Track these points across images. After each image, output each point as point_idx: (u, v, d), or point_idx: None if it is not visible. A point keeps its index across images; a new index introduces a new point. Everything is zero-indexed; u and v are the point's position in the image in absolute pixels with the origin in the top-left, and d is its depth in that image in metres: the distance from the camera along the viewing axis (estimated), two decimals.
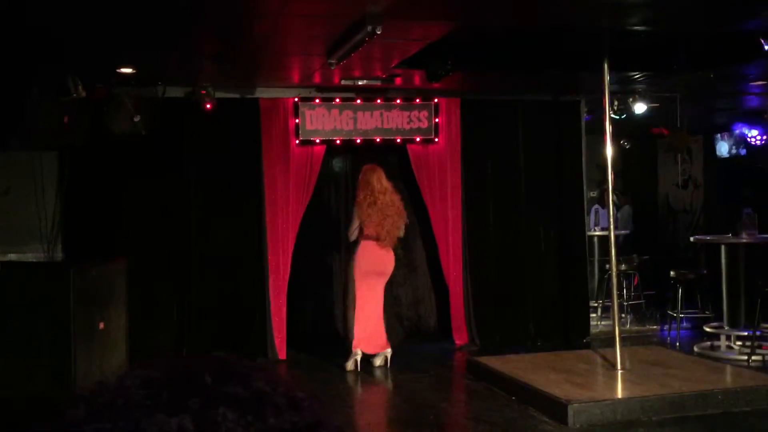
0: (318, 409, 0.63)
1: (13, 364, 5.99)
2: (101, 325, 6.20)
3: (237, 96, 7.49)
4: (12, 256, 6.72)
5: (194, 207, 7.42)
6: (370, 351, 6.97)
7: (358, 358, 6.90)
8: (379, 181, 6.86)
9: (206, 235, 7.43)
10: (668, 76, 7.43)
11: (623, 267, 8.60)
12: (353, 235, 6.91)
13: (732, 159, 10.58)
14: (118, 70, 6.48)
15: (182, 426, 0.53)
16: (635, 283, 9.21)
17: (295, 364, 7.24)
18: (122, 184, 7.17)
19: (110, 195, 7.15)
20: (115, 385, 0.59)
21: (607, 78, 6.20)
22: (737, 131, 10.42)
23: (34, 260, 6.86)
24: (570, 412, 5.21)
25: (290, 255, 7.56)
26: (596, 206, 10.07)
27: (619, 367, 6.09)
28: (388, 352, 7.03)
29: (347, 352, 6.95)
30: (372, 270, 6.89)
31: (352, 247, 7.03)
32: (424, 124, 7.94)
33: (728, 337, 7.49)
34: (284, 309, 7.51)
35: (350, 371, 6.83)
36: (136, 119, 6.69)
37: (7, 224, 6.94)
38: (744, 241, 7.45)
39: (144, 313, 6.92)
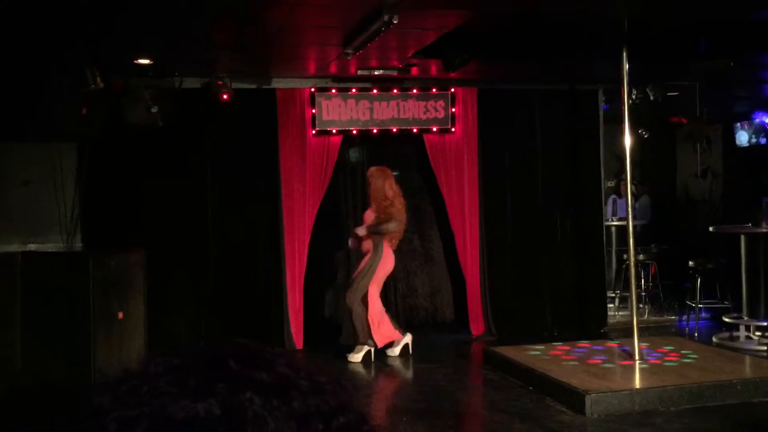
0: (341, 392, 0.64)
1: (34, 352, 6.07)
2: (120, 315, 6.26)
3: (254, 86, 7.51)
4: (32, 246, 6.79)
5: (211, 197, 7.45)
6: (384, 343, 6.99)
7: (372, 350, 6.93)
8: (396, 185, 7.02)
9: (223, 226, 7.46)
10: (687, 64, 7.35)
11: (641, 257, 8.54)
12: (385, 235, 6.87)
13: (751, 148, 10.45)
14: (135, 62, 6.50)
15: (209, 411, 0.53)
16: (653, 272, 9.15)
17: (311, 354, 7.26)
18: (140, 175, 7.21)
19: (128, 185, 7.19)
20: (140, 372, 0.59)
21: (626, 66, 6.14)
22: (757, 120, 10.29)
23: (54, 250, 6.93)
24: (587, 402, 5.19)
25: (307, 245, 7.58)
26: (613, 196, 10.00)
27: (636, 357, 6.06)
28: (408, 337, 7.05)
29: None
30: (390, 274, 7.12)
31: (378, 248, 6.90)
32: (441, 114, 7.92)
33: (747, 328, 7.43)
34: (301, 299, 7.54)
35: (358, 363, 6.86)
36: (154, 110, 6.72)
37: (27, 215, 7.00)
38: (764, 231, 7.37)
39: (162, 302, 6.97)
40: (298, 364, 0.63)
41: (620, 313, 8.58)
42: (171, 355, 0.60)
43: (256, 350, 0.63)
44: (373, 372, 6.77)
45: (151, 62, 6.55)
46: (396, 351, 7.02)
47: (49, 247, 6.95)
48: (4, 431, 5.02)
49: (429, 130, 7.93)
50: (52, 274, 6.17)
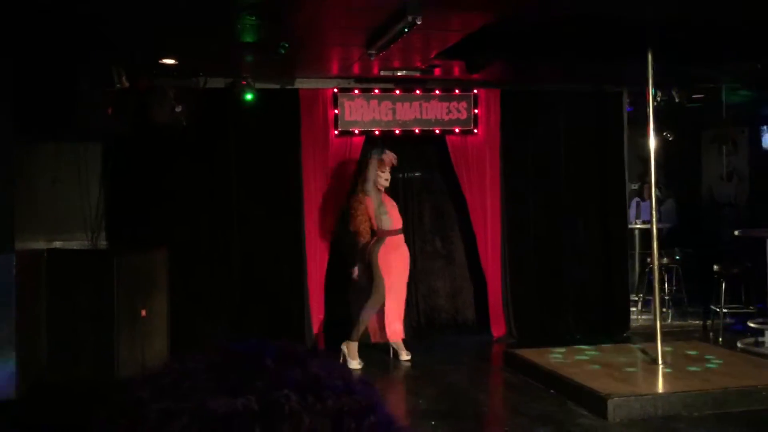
0: (371, 393, 0.65)
1: (58, 349, 6.13)
2: (143, 313, 6.31)
3: (277, 87, 7.54)
4: (57, 244, 6.86)
5: (235, 197, 7.50)
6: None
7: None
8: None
9: (246, 225, 7.50)
10: (714, 66, 7.28)
11: (665, 261, 8.47)
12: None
13: None
14: (160, 62, 6.56)
15: (248, 406, 0.55)
16: (677, 276, 9.06)
17: (332, 353, 7.28)
18: (164, 174, 7.27)
19: (153, 184, 7.25)
20: (180, 368, 0.60)
21: (651, 68, 6.10)
22: None
23: (79, 248, 7.00)
24: (610, 407, 5.16)
25: (328, 244, 7.61)
26: (637, 199, 9.93)
27: (660, 361, 6.01)
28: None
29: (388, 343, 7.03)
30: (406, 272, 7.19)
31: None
32: (464, 115, 7.90)
33: None
34: (322, 298, 7.57)
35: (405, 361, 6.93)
36: (178, 110, 6.77)
37: (53, 213, 7.08)
38: None
39: (185, 300, 7.02)
40: (330, 364, 0.65)
41: (643, 317, 8.51)
42: (209, 353, 0.62)
43: (291, 350, 0.65)
44: (394, 372, 6.77)
45: (176, 62, 6.61)
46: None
47: (74, 244, 7.02)
48: (30, 428, 5.08)
49: (451, 132, 7.92)
50: (76, 272, 6.23)
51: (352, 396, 0.62)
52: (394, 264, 6.87)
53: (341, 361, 6.67)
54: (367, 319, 6.91)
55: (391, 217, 6.93)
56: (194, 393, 0.57)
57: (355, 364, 6.73)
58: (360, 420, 0.61)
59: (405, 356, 6.96)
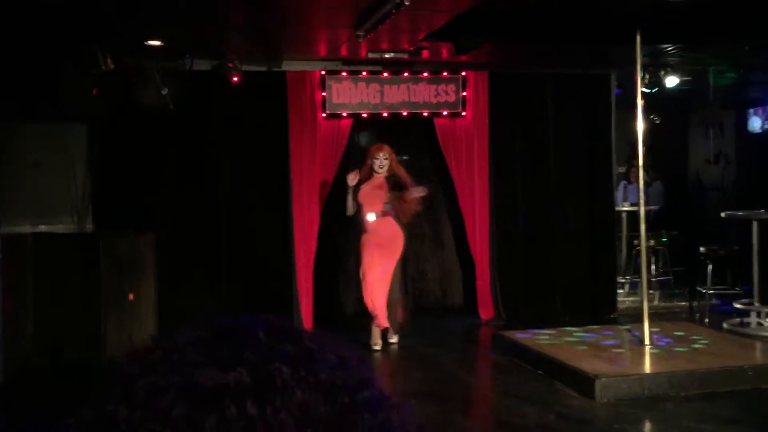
0: (364, 368, 0.64)
1: (45, 334, 6.10)
2: (131, 296, 6.29)
3: (264, 69, 7.48)
4: (42, 228, 6.81)
5: (222, 179, 7.45)
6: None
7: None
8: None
9: (234, 208, 7.47)
10: (702, 48, 7.28)
11: (652, 243, 8.51)
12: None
13: (764, 134, 10.39)
14: (146, 43, 6.49)
15: (239, 380, 0.53)
16: (664, 258, 9.11)
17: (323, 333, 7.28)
18: (151, 157, 7.22)
19: (139, 167, 7.20)
20: (168, 343, 0.59)
21: (639, 50, 6.09)
22: None
23: (65, 232, 6.95)
24: (597, 387, 5.19)
25: (317, 227, 7.60)
26: (624, 182, 9.96)
27: (647, 342, 6.05)
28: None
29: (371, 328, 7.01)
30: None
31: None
32: (452, 98, 7.88)
33: (758, 314, 7.41)
34: (311, 281, 7.57)
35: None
36: (164, 92, 6.71)
37: (38, 196, 7.02)
38: None
39: (173, 284, 6.99)
40: (323, 339, 0.64)
41: (630, 298, 8.56)
42: (198, 328, 0.60)
43: (283, 324, 0.64)
44: (381, 355, 6.78)
45: (162, 44, 6.54)
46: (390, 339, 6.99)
47: (60, 228, 6.97)
48: (16, 412, 5.06)
49: (439, 114, 7.90)
50: (63, 256, 6.20)
51: (346, 370, 0.61)
52: (366, 252, 6.77)
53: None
54: (367, 302, 6.82)
55: (363, 203, 6.77)
56: (182, 367, 0.55)
57: (373, 345, 6.76)
58: (353, 394, 0.60)
59: (391, 339, 6.97)
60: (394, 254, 6.78)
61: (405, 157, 8.35)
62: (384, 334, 6.98)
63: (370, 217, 6.75)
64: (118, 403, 0.54)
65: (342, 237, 8.11)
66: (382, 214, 6.76)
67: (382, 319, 6.78)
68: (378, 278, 6.71)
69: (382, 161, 6.74)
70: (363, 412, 0.58)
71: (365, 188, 6.75)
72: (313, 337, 0.63)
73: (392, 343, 6.94)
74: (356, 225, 6.98)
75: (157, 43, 6.50)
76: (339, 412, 0.56)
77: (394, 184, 6.76)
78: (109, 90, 6.47)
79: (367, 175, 6.78)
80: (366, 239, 6.78)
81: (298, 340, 0.61)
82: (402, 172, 6.82)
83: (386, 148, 6.84)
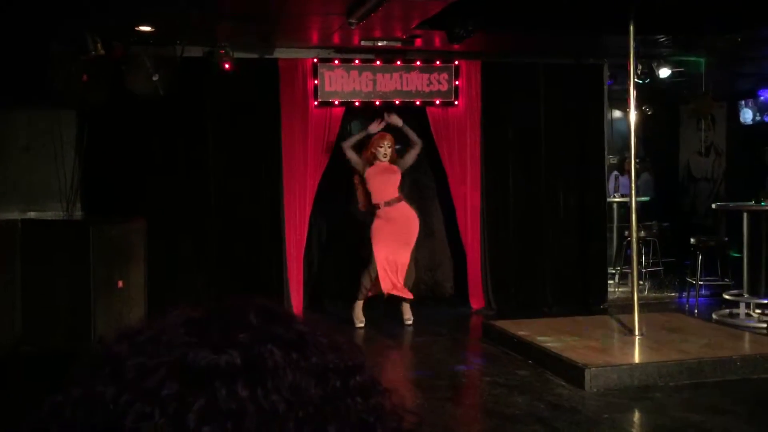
0: (356, 353, 0.63)
1: (34, 320, 6.08)
2: (120, 284, 6.26)
3: (256, 56, 7.44)
4: (32, 214, 6.77)
5: (213, 167, 7.42)
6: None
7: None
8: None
9: (225, 195, 7.44)
10: (694, 39, 7.28)
11: (642, 234, 8.53)
12: None
13: (756, 126, 10.42)
14: (136, 29, 6.44)
15: (230, 361, 0.52)
16: (654, 249, 9.15)
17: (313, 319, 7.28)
18: (141, 144, 7.17)
19: (129, 154, 7.15)
20: (159, 324, 0.58)
21: (632, 41, 6.08)
22: (762, 98, 10.24)
23: (54, 218, 6.91)
24: (587, 376, 5.21)
25: (308, 215, 7.59)
26: (615, 172, 9.97)
27: (636, 332, 6.07)
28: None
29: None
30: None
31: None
32: (444, 87, 7.86)
33: (747, 305, 7.44)
34: (301, 269, 7.56)
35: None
36: (155, 78, 6.67)
37: (27, 183, 6.98)
38: (767, 208, 7.36)
39: (163, 271, 6.96)
40: (315, 323, 0.64)
41: (620, 289, 8.60)
42: (190, 310, 0.59)
43: (274, 308, 0.63)
44: (373, 343, 6.79)
45: (153, 30, 6.49)
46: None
47: (49, 215, 6.93)
48: (5, 399, 5.04)
49: (432, 103, 7.88)
50: (52, 243, 6.16)
51: (338, 355, 0.60)
52: (380, 236, 6.93)
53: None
54: (365, 282, 7.03)
55: (373, 190, 6.94)
56: (173, 348, 0.54)
57: (357, 322, 7.00)
58: (345, 379, 0.59)
59: (407, 318, 7.15)
60: (412, 238, 7.10)
61: (397, 146, 8.33)
62: (401, 316, 7.14)
63: (391, 202, 6.99)
64: (106, 383, 0.53)
65: (333, 224, 8.10)
66: (397, 200, 7.03)
67: (407, 292, 7.07)
68: (403, 264, 7.00)
69: (386, 149, 7.00)
70: (355, 397, 0.57)
71: (374, 178, 6.93)
72: (305, 322, 0.63)
73: (409, 324, 7.12)
74: (351, 212, 7.08)
75: (147, 28, 6.45)
76: (331, 396, 0.56)
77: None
78: (99, 76, 6.42)
79: (369, 162, 6.96)
80: (381, 226, 6.95)
81: (289, 324, 0.60)
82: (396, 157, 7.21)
83: (389, 136, 7.10)
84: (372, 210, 7.06)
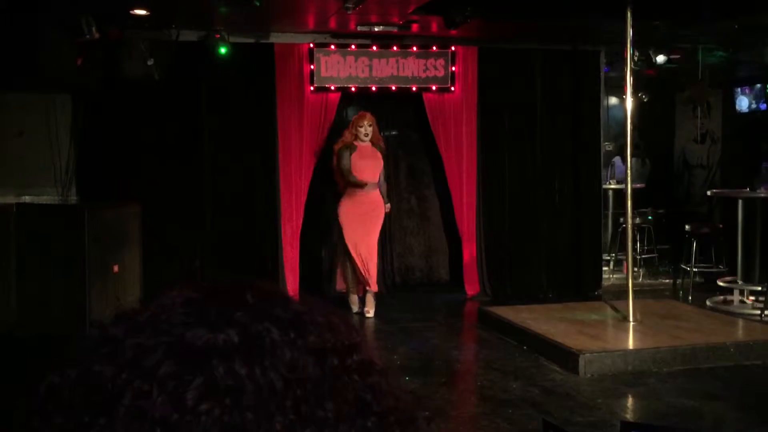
0: (353, 333, 0.63)
1: (29, 305, 6.07)
2: (115, 268, 6.26)
3: (251, 41, 7.40)
4: (26, 198, 6.75)
5: (208, 151, 7.40)
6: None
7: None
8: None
9: (220, 180, 7.43)
10: (691, 25, 7.26)
11: (637, 220, 8.55)
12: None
13: (751, 114, 10.42)
14: (131, 12, 6.40)
15: (227, 340, 0.53)
16: (648, 236, 9.17)
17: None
18: (136, 128, 7.14)
19: (124, 138, 7.13)
20: (157, 304, 0.58)
21: (629, 27, 6.06)
22: (758, 85, 10.23)
23: (49, 202, 6.89)
24: (581, 362, 5.24)
25: (303, 200, 7.58)
26: (618, 157, 9.95)
27: (631, 318, 6.10)
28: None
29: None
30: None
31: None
32: (441, 73, 7.84)
33: (741, 292, 7.48)
34: (297, 253, 7.57)
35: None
36: (150, 62, 6.63)
37: (22, 166, 6.95)
38: (762, 195, 7.38)
39: (158, 255, 6.96)
40: (312, 304, 0.64)
41: (615, 275, 8.62)
42: (187, 290, 0.59)
43: (271, 288, 0.63)
44: (368, 328, 6.81)
45: (148, 13, 6.45)
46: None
47: (44, 199, 6.92)
48: (1, 382, 5.04)
49: (428, 89, 7.85)
50: (47, 227, 6.15)
51: (335, 334, 0.61)
52: (354, 223, 6.90)
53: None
54: (349, 276, 7.09)
55: (359, 171, 6.92)
56: (171, 328, 0.54)
57: (354, 308, 7.07)
58: (343, 358, 0.59)
59: (367, 310, 7.05)
60: (379, 223, 7.09)
61: (393, 132, 8.34)
62: (361, 306, 7.08)
63: (367, 186, 6.94)
64: (104, 362, 0.54)
65: (329, 209, 8.10)
66: (374, 188, 7.02)
67: (374, 284, 7.04)
68: (374, 247, 6.99)
69: (367, 128, 6.96)
70: (352, 375, 0.57)
71: (358, 160, 6.88)
72: (302, 302, 0.63)
73: (369, 317, 7.00)
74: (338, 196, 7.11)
75: (143, 12, 6.40)
76: (328, 375, 0.56)
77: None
78: (94, 60, 6.38)
79: (349, 144, 6.91)
80: (353, 209, 6.91)
81: (287, 304, 0.60)
82: (382, 143, 7.17)
83: (368, 115, 7.03)
84: (348, 190, 6.96)
